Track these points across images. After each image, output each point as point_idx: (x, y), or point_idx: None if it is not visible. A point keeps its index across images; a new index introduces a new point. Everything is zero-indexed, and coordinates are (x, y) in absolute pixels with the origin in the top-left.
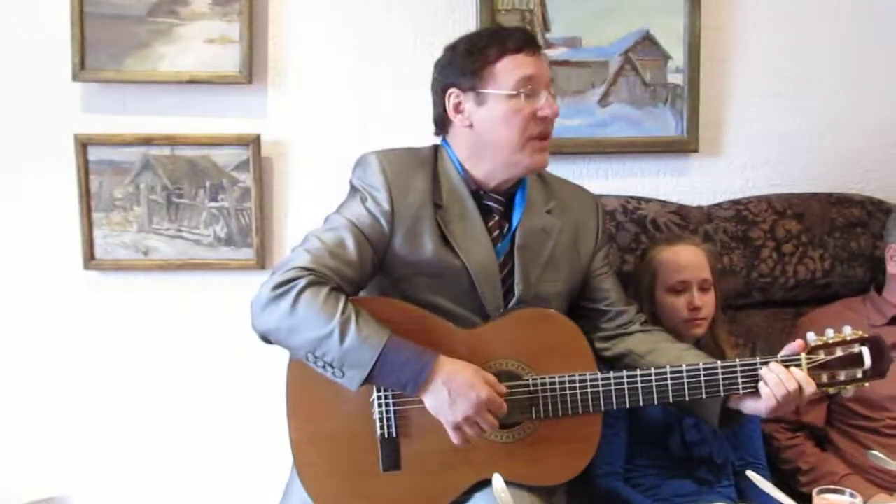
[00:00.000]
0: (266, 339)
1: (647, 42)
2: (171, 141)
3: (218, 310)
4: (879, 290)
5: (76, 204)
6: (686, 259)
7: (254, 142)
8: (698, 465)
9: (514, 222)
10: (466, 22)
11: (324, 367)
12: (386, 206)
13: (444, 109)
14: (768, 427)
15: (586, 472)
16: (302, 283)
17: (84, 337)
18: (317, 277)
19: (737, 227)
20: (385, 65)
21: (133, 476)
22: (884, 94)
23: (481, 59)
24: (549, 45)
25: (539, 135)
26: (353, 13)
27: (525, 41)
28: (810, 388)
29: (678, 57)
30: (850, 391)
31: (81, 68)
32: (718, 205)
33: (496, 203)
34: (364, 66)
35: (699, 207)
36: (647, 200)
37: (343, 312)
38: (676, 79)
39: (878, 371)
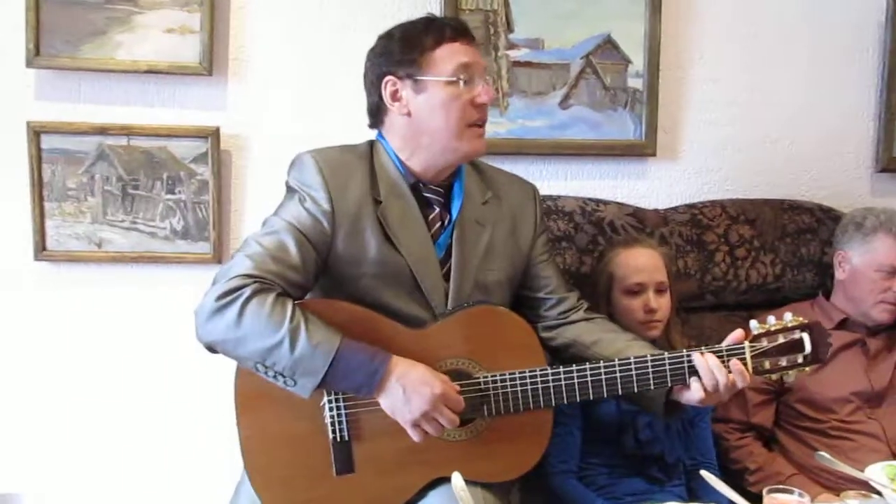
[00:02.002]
0: (212, 349)
1: (609, 46)
2: (128, 131)
3: (173, 304)
4: (827, 295)
5: (28, 193)
6: (643, 262)
7: (213, 134)
8: (650, 463)
9: (454, 214)
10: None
11: (275, 376)
12: (325, 205)
13: (380, 98)
14: (718, 427)
15: (541, 470)
16: (247, 291)
17: (34, 330)
18: (262, 285)
19: (691, 230)
20: (346, 61)
21: (84, 473)
22: (835, 105)
23: (419, 46)
24: (512, 46)
25: (477, 121)
26: (316, 8)
27: (461, 30)
28: (742, 378)
29: (638, 62)
30: (791, 376)
31: (36, 54)
32: (674, 208)
33: (435, 195)
34: (325, 61)
35: (655, 211)
36: (605, 203)
37: (292, 320)
38: (636, 83)
39: (818, 356)
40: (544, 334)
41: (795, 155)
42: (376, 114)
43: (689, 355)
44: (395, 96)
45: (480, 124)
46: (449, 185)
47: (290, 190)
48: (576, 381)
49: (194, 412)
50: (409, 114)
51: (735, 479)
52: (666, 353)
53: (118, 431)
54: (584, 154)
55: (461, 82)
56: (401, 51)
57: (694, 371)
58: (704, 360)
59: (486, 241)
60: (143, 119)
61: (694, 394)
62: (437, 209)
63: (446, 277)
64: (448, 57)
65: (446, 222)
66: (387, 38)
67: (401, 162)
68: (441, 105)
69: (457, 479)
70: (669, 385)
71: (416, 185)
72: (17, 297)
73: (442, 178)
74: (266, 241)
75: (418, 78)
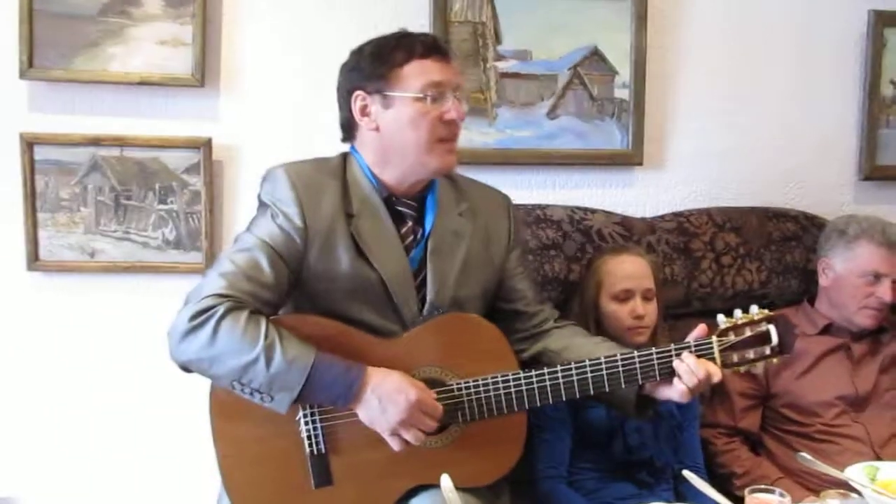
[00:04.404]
0: (186, 369)
1: (595, 57)
2: (121, 142)
3: (165, 314)
4: (812, 301)
5: (21, 204)
6: (631, 269)
7: (205, 145)
8: (639, 468)
9: (427, 227)
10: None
11: (251, 393)
12: (298, 221)
13: (350, 113)
14: (705, 432)
15: (530, 475)
16: (220, 310)
17: (27, 339)
18: (234, 303)
19: (678, 238)
20: (337, 72)
21: (76, 478)
22: (819, 114)
23: (388, 62)
24: (500, 58)
25: (446, 137)
26: (307, 19)
27: (433, 47)
28: (717, 376)
29: (625, 73)
30: (759, 368)
31: (29, 66)
32: (661, 217)
33: (408, 209)
34: (316, 72)
35: (643, 219)
36: (593, 211)
37: (266, 337)
38: (623, 94)
39: (785, 347)
40: (517, 346)
41: (780, 164)
42: (348, 128)
43: (668, 352)
44: (364, 111)
45: (450, 140)
46: (422, 198)
47: (263, 205)
48: (548, 383)
49: (186, 422)
50: (377, 129)
51: (722, 483)
52: (635, 351)
53: (110, 439)
54: (571, 163)
55: (429, 99)
56: (370, 66)
57: (665, 368)
58: (685, 364)
59: (463, 253)
60: (135, 130)
61: (674, 391)
62: (410, 223)
63: (418, 290)
64: (417, 74)
65: (419, 236)
66: (358, 53)
67: (374, 175)
68: (409, 121)
69: (445, 481)
70: (640, 382)
71: (389, 199)
72: (11, 307)
73: (415, 191)
74: (239, 258)
75: (386, 93)
